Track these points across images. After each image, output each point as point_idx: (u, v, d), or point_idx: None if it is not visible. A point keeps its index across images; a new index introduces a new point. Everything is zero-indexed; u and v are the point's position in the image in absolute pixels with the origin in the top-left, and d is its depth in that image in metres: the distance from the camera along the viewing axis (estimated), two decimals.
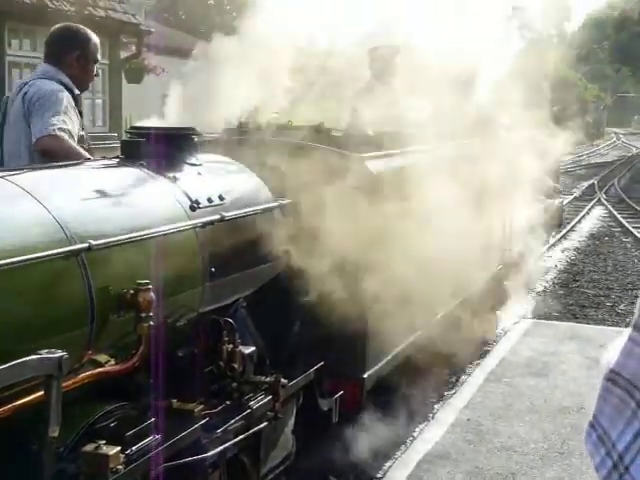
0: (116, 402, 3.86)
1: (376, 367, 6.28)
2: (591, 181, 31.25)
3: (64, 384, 3.42)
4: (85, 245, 3.65)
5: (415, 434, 7.05)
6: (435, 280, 7.76)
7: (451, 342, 8.76)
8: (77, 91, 5.57)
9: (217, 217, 4.61)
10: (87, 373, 3.71)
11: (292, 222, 5.38)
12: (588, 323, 11.15)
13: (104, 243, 3.78)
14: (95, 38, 5.74)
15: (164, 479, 3.98)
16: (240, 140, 6.00)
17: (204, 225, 4.51)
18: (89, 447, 3.52)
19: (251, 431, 4.58)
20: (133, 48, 18.48)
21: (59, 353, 3.29)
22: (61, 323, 3.59)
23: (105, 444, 3.53)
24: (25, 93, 5.39)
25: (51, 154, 5.08)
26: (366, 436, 6.51)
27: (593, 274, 14.91)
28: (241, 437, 4.51)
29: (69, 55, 5.59)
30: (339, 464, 6.15)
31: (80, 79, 5.64)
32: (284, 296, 5.45)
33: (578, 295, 13.31)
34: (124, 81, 18.28)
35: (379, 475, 6.26)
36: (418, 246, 7.31)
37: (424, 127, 8.27)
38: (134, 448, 3.70)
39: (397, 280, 6.73)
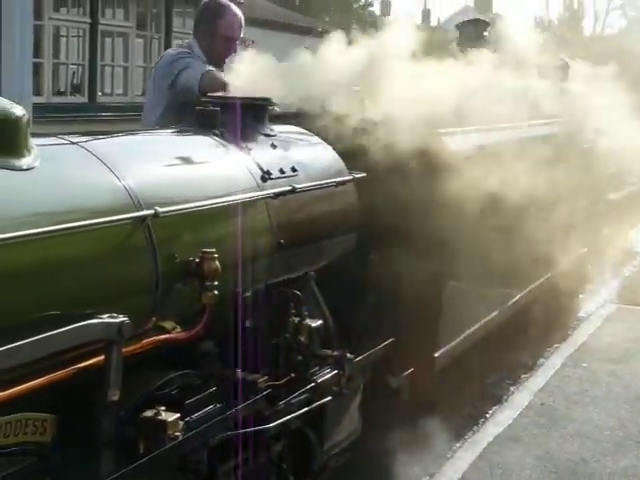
0: (179, 370, 3.85)
1: (448, 346, 6.19)
2: None
3: (127, 349, 3.44)
4: (151, 212, 3.64)
5: (487, 416, 6.94)
6: (516, 259, 7.63)
7: (530, 324, 8.64)
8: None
9: (288, 188, 4.58)
10: (150, 339, 3.72)
11: (366, 196, 5.32)
12: None
13: (171, 210, 3.77)
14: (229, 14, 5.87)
15: (224, 448, 3.99)
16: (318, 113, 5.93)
17: (275, 196, 4.49)
18: (148, 413, 3.52)
19: (314, 405, 4.55)
20: None
21: (120, 318, 3.31)
22: (126, 289, 3.60)
23: (165, 410, 3.53)
24: None
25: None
26: (436, 415, 6.44)
27: None
28: (304, 410, 4.48)
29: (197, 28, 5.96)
30: (407, 442, 6.10)
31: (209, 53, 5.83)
32: (356, 270, 5.40)
33: None
34: None
35: (448, 455, 6.18)
36: (499, 224, 7.19)
37: (514, 105, 8.11)
38: (194, 416, 3.70)
39: (475, 258, 6.63)
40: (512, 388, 7.66)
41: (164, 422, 3.48)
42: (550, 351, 8.68)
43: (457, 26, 9.92)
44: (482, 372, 7.79)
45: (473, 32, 9.50)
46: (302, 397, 4.51)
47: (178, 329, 3.91)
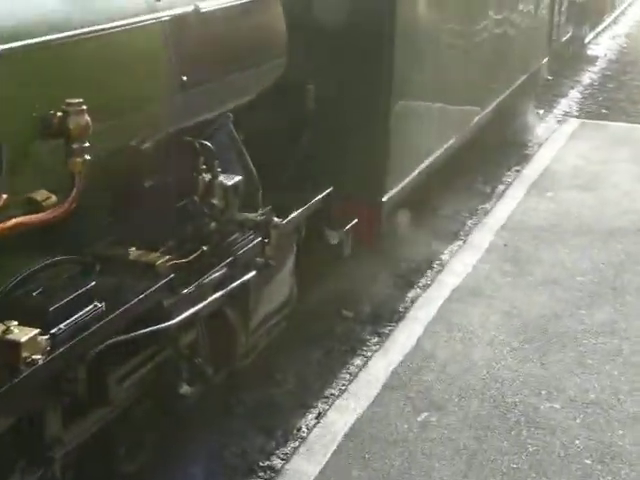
0: (44, 258, 2.92)
1: (398, 187, 5.26)
2: None
3: None
4: None
5: (444, 257, 6.11)
6: (472, 77, 6.63)
7: (486, 146, 7.74)
8: None
9: (190, 8, 3.52)
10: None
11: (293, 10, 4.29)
12: None
13: (21, 46, 2.73)
14: None
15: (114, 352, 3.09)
16: None
17: (173, 19, 3.42)
18: None
19: (235, 284, 3.65)
20: None
21: None
22: None
23: (18, 325, 2.60)
24: None
25: None
26: (384, 266, 5.62)
27: None
28: (222, 293, 3.57)
29: None
30: (353, 298, 5.30)
31: None
32: (284, 106, 4.41)
33: (630, 89, 12.01)
34: None
35: (401, 310, 5.37)
36: (453, 34, 6.17)
37: None
38: (62, 325, 2.76)
39: (427, 78, 5.65)
40: (470, 222, 6.81)
41: (16, 343, 2.56)
42: (510, 175, 7.84)
43: None
44: (434, 205, 6.89)
45: None
46: (218, 274, 3.59)
47: (53, 199, 2.94)
